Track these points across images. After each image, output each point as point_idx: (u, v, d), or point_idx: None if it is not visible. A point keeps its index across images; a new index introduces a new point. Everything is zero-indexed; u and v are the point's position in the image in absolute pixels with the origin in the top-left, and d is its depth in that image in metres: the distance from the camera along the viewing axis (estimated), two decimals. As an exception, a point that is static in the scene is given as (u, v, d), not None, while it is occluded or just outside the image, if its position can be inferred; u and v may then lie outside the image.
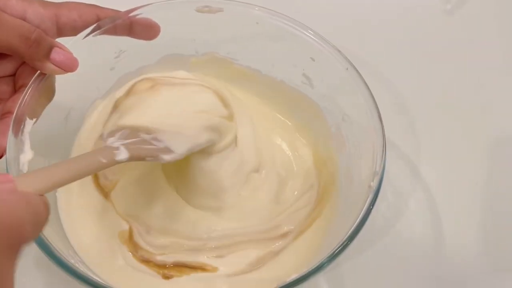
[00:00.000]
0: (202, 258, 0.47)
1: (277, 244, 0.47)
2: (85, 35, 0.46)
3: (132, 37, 0.49)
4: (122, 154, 0.40)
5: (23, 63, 0.46)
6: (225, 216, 0.48)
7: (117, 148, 0.40)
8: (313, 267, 0.38)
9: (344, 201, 0.47)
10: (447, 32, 0.68)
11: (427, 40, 0.67)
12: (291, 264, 0.45)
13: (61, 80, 0.46)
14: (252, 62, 0.53)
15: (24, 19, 0.44)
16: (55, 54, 0.43)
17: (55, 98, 0.46)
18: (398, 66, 0.64)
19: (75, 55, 0.45)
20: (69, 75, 0.45)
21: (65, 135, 0.49)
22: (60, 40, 0.46)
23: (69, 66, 0.44)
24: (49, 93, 0.45)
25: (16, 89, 0.46)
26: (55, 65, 0.44)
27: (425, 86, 0.64)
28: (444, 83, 0.64)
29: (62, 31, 0.46)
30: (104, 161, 0.39)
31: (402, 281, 0.52)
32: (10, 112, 0.43)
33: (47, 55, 0.43)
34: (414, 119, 0.60)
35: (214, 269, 0.47)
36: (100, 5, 0.48)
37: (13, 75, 0.47)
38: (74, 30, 0.46)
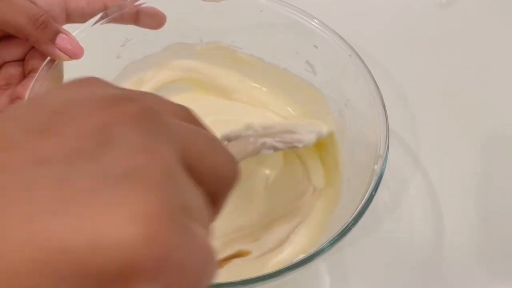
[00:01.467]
0: (237, 246, 0.47)
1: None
2: (93, 23, 0.47)
3: (138, 25, 0.50)
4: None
5: (32, 48, 0.47)
6: (252, 206, 0.50)
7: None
8: (317, 249, 0.39)
9: (347, 185, 0.48)
10: (442, 26, 0.69)
11: (424, 34, 0.68)
12: (299, 246, 0.46)
13: (68, 67, 0.46)
14: (256, 50, 0.54)
15: (34, 3, 0.44)
16: (61, 40, 0.44)
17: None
18: (396, 58, 0.64)
19: (82, 42, 0.46)
20: (76, 62, 0.45)
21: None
22: (68, 27, 0.47)
23: (75, 52, 0.45)
24: (58, 80, 0.46)
25: (25, 74, 0.46)
26: (60, 50, 0.44)
27: (423, 77, 0.64)
28: (442, 74, 0.64)
29: (70, 17, 0.47)
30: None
31: (402, 266, 0.52)
32: (20, 98, 0.44)
33: (52, 39, 0.44)
34: (413, 108, 0.61)
35: (247, 253, 0.47)
36: None
37: (22, 59, 0.47)
38: (82, 17, 0.47)
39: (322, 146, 0.52)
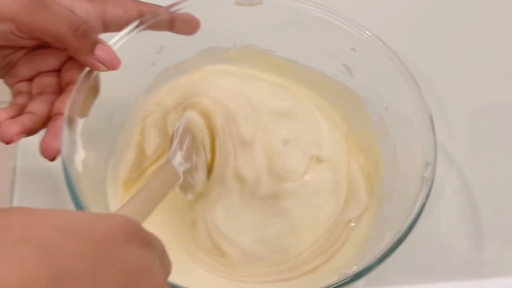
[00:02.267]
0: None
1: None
2: (129, 31, 0.46)
3: (172, 32, 0.49)
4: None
5: (69, 59, 0.46)
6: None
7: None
8: (374, 260, 0.38)
9: (392, 193, 0.47)
10: (470, 18, 0.68)
11: (447, 26, 0.67)
12: (344, 258, 0.46)
13: (105, 77, 0.45)
14: (290, 54, 0.53)
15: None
16: (99, 51, 0.44)
17: (101, 94, 0.46)
18: (423, 53, 0.63)
19: (119, 51, 0.45)
20: (112, 71, 0.45)
21: (112, 129, 0.50)
22: (105, 36, 0.46)
23: (112, 63, 0.44)
24: (96, 90, 0.45)
25: (62, 86, 0.46)
26: (98, 61, 0.44)
27: (455, 72, 0.63)
28: (474, 69, 0.63)
29: (107, 27, 0.46)
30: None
31: (440, 268, 0.52)
32: (60, 114, 0.43)
33: (91, 49, 0.43)
34: (446, 106, 0.60)
35: None
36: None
37: (57, 70, 0.47)
38: (119, 26, 0.46)
39: (362, 151, 0.52)
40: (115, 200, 0.47)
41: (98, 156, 0.47)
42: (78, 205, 0.38)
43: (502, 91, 0.63)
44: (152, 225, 0.46)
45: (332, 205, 0.49)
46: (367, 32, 0.49)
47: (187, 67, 0.53)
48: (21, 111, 0.44)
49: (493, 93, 0.62)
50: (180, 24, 0.49)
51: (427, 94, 0.59)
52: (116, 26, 0.46)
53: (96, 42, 0.43)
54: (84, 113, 0.44)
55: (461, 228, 0.54)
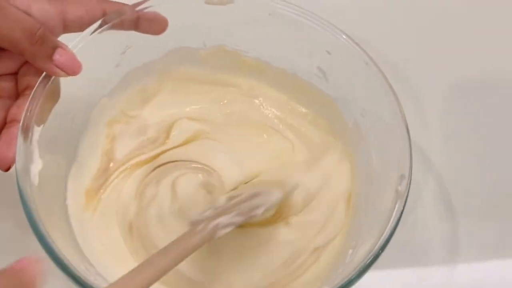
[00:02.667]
0: None
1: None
2: (91, 31, 0.44)
3: (139, 31, 0.46)
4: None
5: (26, 61, 0.43)
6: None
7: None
8: (345, 280, 0.37)
9: (366, 202, 0.45)
10: (448, 18, 0.66)
11: (428, 27, 0.65)
12: (315, 274, 0.44)
13: (66, 80, 0.43)
14: (263, 55, 0.51)
15: (29, 15, 0.41)
16: (58, 56, 0.41)
17: (61, 98, 0.43)
18: (402, 52, 0.61)
19: (80, 53, 0.42)
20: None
21: (73, 134, 0.47)
22: (65, 36, 0.43)
23: (72, 69, 0.41)
24: (55, 95, 0.43)
25: (19, 91, 0.43)
26: (57, 66, 0.41)
27: (432, 72, 0.62)
28: (452, 69, 0.62)
29: (68, 28, 0.43)
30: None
31: (417, 276, 0.51)
32: (15, 120, 0.40)
33: (50, 55, 0.41)
34: (424, 107, 0.59)
35: None
36: None
37: (15, 73, 0.44)
38: (80, 27, 0.44)
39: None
40: (76, 211, 0.44)
41: (58, 165, 0.44)
42: (32, 222, 0.36)
43: (482, 88, 0.62)
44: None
45: (301, 239, 0.47)
46: (343, 36, 0.47)
47: (155, 68, 0.50)
48: None
49: (472, 92, 0.61)
50: (146, 23, 0.46)
51: (402, 92, 0.58)
52: (77, 26, 0.43)
53: (55, 47, 0.41)
54: (42, 120, 0.41)
55: (438, 235, 0.53)
